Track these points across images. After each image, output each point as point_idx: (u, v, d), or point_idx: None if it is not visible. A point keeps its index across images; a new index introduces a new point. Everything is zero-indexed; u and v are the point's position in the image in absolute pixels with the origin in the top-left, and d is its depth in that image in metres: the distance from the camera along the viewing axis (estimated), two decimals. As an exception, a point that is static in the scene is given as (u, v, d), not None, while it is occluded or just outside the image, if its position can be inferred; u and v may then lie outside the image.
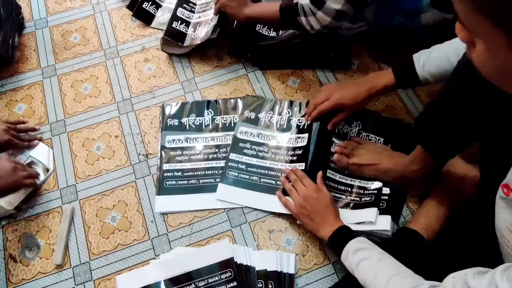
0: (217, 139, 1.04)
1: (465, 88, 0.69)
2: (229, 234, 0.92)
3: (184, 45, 1.17)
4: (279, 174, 0.96)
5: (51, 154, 1.04)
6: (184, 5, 1.25)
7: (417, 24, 1.01)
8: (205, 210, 0.95)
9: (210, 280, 0.84)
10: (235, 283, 0.83)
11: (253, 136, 1.03)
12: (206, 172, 0.99)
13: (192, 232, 0.93)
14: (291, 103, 1.08)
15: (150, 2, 1.28)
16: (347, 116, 0.97)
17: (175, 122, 1.07)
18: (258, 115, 1.07)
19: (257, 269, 0.86)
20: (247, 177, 0.97)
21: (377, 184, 0.94)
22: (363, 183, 0.95)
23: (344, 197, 0.94)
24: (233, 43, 1.18)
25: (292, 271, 0.86)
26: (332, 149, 0.99)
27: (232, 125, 1.06)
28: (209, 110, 1.08)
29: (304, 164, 0.96)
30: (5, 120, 1.05)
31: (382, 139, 1.02)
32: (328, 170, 0.96)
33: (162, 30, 1.25)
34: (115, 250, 0.91)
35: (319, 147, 0.99)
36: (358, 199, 0.93)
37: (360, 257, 0.72)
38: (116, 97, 1.13)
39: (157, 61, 1.19)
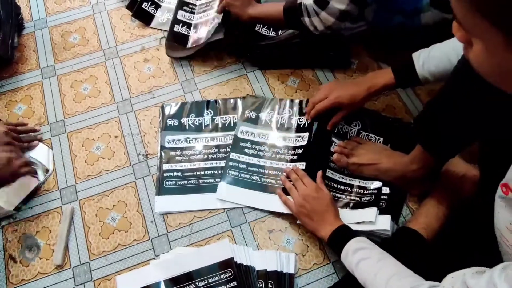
0: (216, 139, 1.04)
1: (465, 87, 0.69)
2: (229, 234, 0.92)
3: (187, 46, 1.16)
4: (280, 174, 0.96)
5: (50, 155, 1.04)
6: (184, 8, 1.25)
7: (417, 24, 1.01)
8: (205, 210, 0.95)
9: (210, 280, 0.84)
10: (235, 283, 0.83)
11: (254, 135, 1.03)
12: (206, 172, 0.99)
13: (192, 232, 0.93)
14: (291, 102, 1.08)
15: (150, 2, 1.28)
16: (345, 115, 0.97)
17: (175, 122, 1.07)
18: (259, 114, 1.07)
19: (257, 269, 0.86)
20: (248, 176, 0.97)
21: (377, 184, 0.94)
22: (363, 183, 0.95)
23: (343, 196, 0.94)
24: (233, 43, 1.18)
25: (292, 271, 0.86)
26: (332, 149, 0.99)
27: (232, 125, 1.06)
28: (209, 110, 1.08)
29: (304, 163, 0.96)
30: (5, 121, 1.05)
31: (381, 139, 1.02)
32: (327, 170, 0.96)
33: (161, 30, 1.25)
34: (115, 251, 0.91)
35: (319, 147, 0.99)
36: (358, 198, 0.93)
37: (360, 256, 0.72)
38: (115, 97, 1.13)
39: (156, 61, 1.19)
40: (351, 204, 0.93)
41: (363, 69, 1.16)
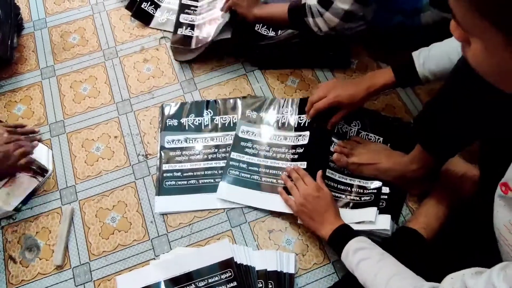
0: (216, 139, 1.04)
1: (465, 87, 0.69)
2: (229, 234, 0.92)
3: (192, 47, 1.16)
4: (281, 173, 0.96)
5: (50, 155, 1.04)
6: (186, 11, 1.25)
7: (417, 24, 1.01)
8: (204, 210, 0.95)
9: (210, 280, 0.84)
10: (235, 283, 0.83)
11: (255, 135, 1.03)
12: (206, 172, 0.99)
13: (192, 232, 0.93)
14: (291, 101, 1.08)
15: (149, 2, 1.28)
16: (345, 114, 0.97)
17: (175, 122, 1.07)
18: (259, 114, 1.07)
19: (257, 269, 0.86)
20: (248, 176, 0.97)
21: (376, 184, 0.94)
22: (362, 183, 0.95)
23: (343, 196, 0.94)
24: (238, 43, 1.17)
25: (292, 270, 0.86)
26: (332, 149, 0.99)
27: (232, 125, 1.06)
28: (209, 110, 1.08)
29: (305, 162, 0.96)
30: (4, 124, 1.05)
31: (381, 138, 1.02)
32: (327, 170, 0.96)
33: (161, 30, 1.25)
34: (115, 251, 0.91)
35: (319, 147, 0.99)
36: (357, 198, 0.93)
37: (360, 257, 0.72)
38: (115, 97, 1.13)
39: (156, 62, 1.19)
40: (351, 204, 0.93)
41: (362, 69, 1.16)
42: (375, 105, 1.09)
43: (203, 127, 1.06)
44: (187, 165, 1.00)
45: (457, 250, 0.76)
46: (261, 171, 0.97)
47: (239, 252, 0.87)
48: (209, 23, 1.19)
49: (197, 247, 0.91)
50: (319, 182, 0.90)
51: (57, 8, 1.32)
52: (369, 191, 0.94)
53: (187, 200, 0.96)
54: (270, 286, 0.84)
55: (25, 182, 0.96)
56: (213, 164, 1.00)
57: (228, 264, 0.85)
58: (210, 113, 1.08)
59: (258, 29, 1.20)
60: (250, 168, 0.98)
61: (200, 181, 0.98)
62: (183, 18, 1.23)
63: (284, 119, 1.05)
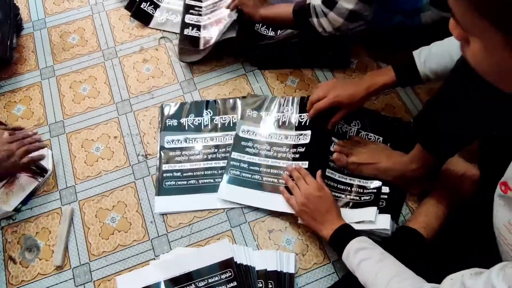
0: (216, 139, 1.04)
1: (464, 86, 0.69)
2: (228, 234, 0.92)
3: (200, 48, 1.15)
4: (282, 173, 0.96)
5: (50, 156, 1.03)
6: (191, 11, 1.25)
7: (417, 23, 1.01)
8: (204, 210, 0.95)
9: (210, 280, 0.84)
10: (235, 283, 0.83)
11: (255, 134, 1.03)
12: (206, 172, 0.99)
13: (191, 232, 0.93)
14: (292, 100, 1.07)
15: (148, 3, 1.28)
16: (345, 114, 0.97)
17: (174, 122, 1.07)
18: (260, 113, 1.06)
19: (257, 269, 0.86)
20: (249, 176, 0.97)
21: (376, 183, 0.94)
22: (362, 182, 0.95)
23: (343, 196, 0.94)
24: (237, 42, 1.17)
25: (292, 270, 0.86)
26: (331, 148, 0.99)
27: (231, 125, 1.06)
28: (208, 110, 1.08)
29: (307, 162, 0.96)
30: (3, 127, 1.04)
31: (381, 138, 1.02)
32: (327, 169, 0.96)
33: (160, 30, 1.25)
34: (115, 251, 0.91)
35: (320, 146, 0.98)
36: (357, 198, 0.93)
37: (361, 257, 0.72)
38: (115, 97, 1.13)
39: (155, 62, 1.19)
40: (351, 204, 0.93)
41: (362, 69, 1.16)
42: (375, 104, 1.09)
43: (202, 127, 1.06)
44: (187, 165, 1.00)
45: (457, 249, 0.76)
46: (262, 170, 0.97)
47: (239, 252, 0.87)
48: (215, 24, 1.19)
49: (197, 247, 0.91)
50: (319, 182, 0.89)
51: (57, 9, 1.32)
52: (369, 190, 0.94)
53: (187, 200, 0.96)
54: (270, 286, 0.84)
55: (25, 183, 0.96)
56: (213, 164, 1.00)
57: (228, 264, 0.85)
58: (210, 113, 1.08)
59: (258, 29, 1.20)
60: (251, 167, 0.98)
61: (200, 181, 0.98)
62: (189, 18, 1.23)
63: (284, 118, 1.05)
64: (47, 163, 1.01)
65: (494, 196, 0.57)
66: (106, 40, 1.24)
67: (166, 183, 0.98)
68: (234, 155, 1.00)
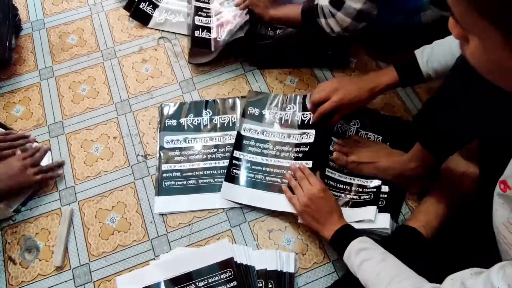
0: (215, 139, 1.04)
1: (464, 85, 0.69)
2: (228, 234, 0.92)
3: (213, 49, 1.15)
4: (285, 172, 0.95)
5: (49, 156, 1.03)
6: (199, 13, 1.24)
7: (417, 23, 1.01)
8: (204, 210, 0.95)
9: (210, 280, 0.84)
10: (235, 283, 0.83)
11: (257, 133, 1.02)
12: (205, 172, 0.99)
13: (191, 232, 0.93)
14: (294, 98, 1.06)
15: (147, 3, 1.28)
16: (346, 114, 0.97)
17: (174, 122, 1.06)
18: (262, 111, 1.06)
19: (257, 268, 0.86)
20: (252, 175, 0.96)
21: (376, 182, 0.94)
22: (362, 181, 0.95)
23: (343, 195, 0.94)
24: (244, 41, 1.17)
25: (292, 270, 0.86)
26: (331, 148, 0.98)
27: (231, 124, 1.05)
28: (207, 110, 1.08)
29: (311, 162, 0.95)
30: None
31: (380, 137, 1.02)
32: (327, 169, 0.96)
33: (159, 30, 1.25)
34: (115, 251, 0.91)
35: (322, 146, 0.98)
36: (357, 197, 0.93)
37: (363, 257, 0.72)
38: (114, 98, 1.13)
39: (154, 62, 1.19)
40: (351, 203, 0.93)
41: (362, 68, 1.16)
42: (374, 104, 1.09)
43: (202, 127, 1.06)
44: (187, 165, 1.00)
45: (456, 248, 0.76)
46: (264, 170, 0.97)
47: (239, 252, 0.87)
48: (225, 25, 1.18)
49: (197, 247, 0.91)
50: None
51: (55, 9, 1.32)
52: (369, 190, 0.93)
53: (187, 200, 0.96)
54: (270, 285, 0.84)
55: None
56: (212, 164, 1.00)
57: (228, 264, 0.85)
58: (209, 113, 1.08)
59: (257, 28, 1.19)
60: (253, 167, 0.97)
61: (200, 181, 0.98)
62: (198, 20, 1.22)
63: (287, 116, 1.04)
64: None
65: (493, 195, 0.57)
66: (105, 40, 1.24)
67: (165, 183, 0.98)
68: (236, 154, 0.99)
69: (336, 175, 0.96)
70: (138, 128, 1.08)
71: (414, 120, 0.90)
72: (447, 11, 0.44)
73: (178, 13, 1.27)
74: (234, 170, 0.97)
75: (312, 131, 0.99)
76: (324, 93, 0.94)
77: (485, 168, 0.77)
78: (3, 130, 1.04)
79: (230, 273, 0.84)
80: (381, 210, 0.90)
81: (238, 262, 0.86)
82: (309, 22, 0.98)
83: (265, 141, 1.01)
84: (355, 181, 0.96)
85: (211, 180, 0.98)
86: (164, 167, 1.00)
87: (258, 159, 0.98)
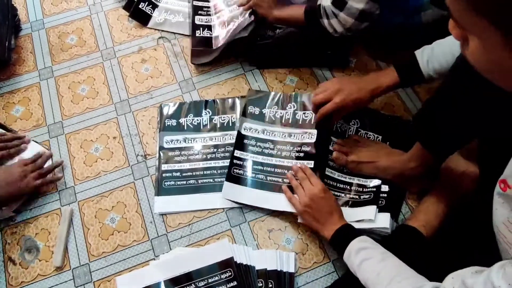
0: (215, 139, 1.03)
1: (464, 84, 0.69)
2: (228, 234, 0.92)
3: (214, 47, 1.15)
4: (286, 172, 0.95)
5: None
6: (199, 12, 1.24)
7: (417, 22, 1.01)
8: (204, 210, 0.95)
9: (210, 280, 0.84)
10: (235, 283, 0.83)
11: (258, 132, 1.02)
12: (205, 172, 0.99)
13: (191, 232, 0.93)
14: (295, 97, 1.06)
15: (147, 3, 1.28)
16: (346, 114, 0.97)
17: (173, 122, 1.06)
18: (263, 110, 1.05)
19: (257, 268, 0.86)
20: (253, 175, 0.96)
21: (376, 182, 0.94)
22: (362, 181, 0.95)
23: (343, 195, 0.94)
24: (248, 41, 1.17)
25: (292, 270, 0.86)
26: (331, 147, 0.98)
27: (230, 124, 1.05)
28: (207, 110, 1.08)
29: (313, 162, 0.95)
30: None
31: (380, 137, 1.02)
32: (326, 168, 0.96)
33: (159, 30, 1.25)
34: (115, 251, 0.91)
35: (323, 146, 0.98)
36: (357, 197, 0.93)
37: (363, 257, 0.72)
38: (113, 98, 1.13)
39: (154, 62, 1.19)
40: (350, 203, 0.93)
41: (361, 68, 1.16)
42: (374, 103, 1.08)
43: (201, 127, 1.06)
44: (186, 165, 1.00)
45: (456, 247, 0.76)
46: (265, 169, 0.97)
47: (239, 251, 0.87)
48: (226, 23, 1.18)
49: (196, 247, 0.91)
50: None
51: (55, 9, 1.32)
52: (369, 189, 0.93)
53: (187, 200, 0.96)
54: (270, 285, 0.84)
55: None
56: (212, 164, 1.00)
57: (228, 263, 0.85)
58: (209, 113, 1.08)
59: (262, 29, 1.19)
60: (254, 167, 0.97)
61: (199, 181, 0.98)
62: (198, 19, 1.22)
63: (288, 115, 1.04)
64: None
65: (493, 194, 0.57)
66: (104, 40, 1.24)
67: (165, 183, 0.98)
68: (237, 153, 0.99)
69: (336, 175, 0.96)
70: (138, 128, 1.08)
71: (414, 120, 0.90)
72: (448, 11, 0.44)
73: (178, 13, 1.27)
74: (235, 170, 0.97)
75: (314, 131, 0.99)
76: (326, 94, 0.93)
77: (485, 167, 0.77)
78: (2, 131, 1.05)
79: (230, 273, 0.84)
80: (381, 209, 0.90)
81: (238, 262, 0.86)
82: (312, 22, 0.98)
83: (265, 141, 1.01)
84: (355, 180, 0.95)
85: (211, 180, 0.98)
86: (164, 167, 1.00)
87: (259, 158, 0.98)
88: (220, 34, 1.17)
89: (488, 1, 0.38)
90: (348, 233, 0.79)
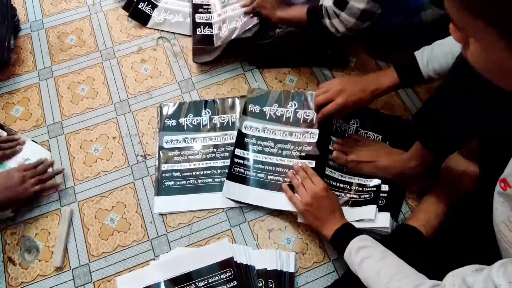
0: (215, 138, 1.03)
1: (464, 84, 0.69)
2: (228, 234, 0.92)
3: (215, 45, 1.15)
4: (287, 171, 0.95)
5: (49, 157, 1.03)
6: (200, 10, 1.24)
7: (418, 22, 1.01)
8: (204, 210, 0.95)
9: (210, 280, 0.84)
10: (235, 283, 0.83)
11: (259, 131, 1.02)
12: (205, 172, 0.99)
13: (191, 232, 0.93)
14: (296, 95, 1.06)
15: (146, 3, 1.28)
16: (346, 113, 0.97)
17: (173, 122, 1.06)
18: (263, 108, 1.05)
19: (257, 268, 0.86)
20: (254, 174, 0.96)
21: (376, 181, 0.94)
22: (362, 181, 0.95)
23: (343, 194, 0.94)
24: (251, 42, 1.17)
25: (292, 269, 0.86)
26: (331, 147, 0.98)
27: (230, 124, 1.05)
28: (207, 110, 1.08)
29: (314, 161, 0.95)
30: None
31: (380, 136, 1.02)
32: (326, 168, 0.96)
33: (158, 30, 1.25)
34: (115, 252, 0.91)
35: (324, 146, 0.98)
36: (357, 196, 0.93)
37: (363, 255, 0.72)
38: (113, 98, 1.13)
39: (153, 62, 1.19)
40: (350, 202, 0.93)
41: (361, 68, 1.16)
42: (374, 103, 1.07)
43: (201, 127, 1.06)
44: (186, 165, 1.00)
45: (456, 247, 0.76)
46: (266, 168, 0.96)
47: (238, 251, 0.87)
48: (228, 21, 1.18)
49: (196, 247, 0.91)
50: None
51: (54, 9, 1.32)
52: (369, 189, 0.93)
53: (186, 200, 0.96)
54: (270, 285, 0.84)
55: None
56: (212, 163, 1.00)
57: (228, 263, 0.85)
58: (209, 112, 1.08)
59: (267, 29, 1.19)
60: (255, 165, 0.97)
61: (199, 181, 0.98)
62: (199, 17, 1.22)
63: (288, 113, 1.03)
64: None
65: (493, 194, 0.57)
66: (104, 40, 1.24)
67: (165, 183, 0.98)
68: (238, 152, 0.99)
69: (336, 174, 0.96)
70: (138, 128, 1.08)
71: (414, 119, 0.90)
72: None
73: (177, 13, 1.27)
74: (236, 169, 0.97)
75: (316, 131, 0.99)
76: (328, 95, 0.93)
77: (485, 167, 0.77)
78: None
79: (230, 273, 0.84)
80: (381, 209, 0.90)
81: (238, 262, 0.86)
82: (314, 22, 0.98)
83: (266, 139, 1.00)
84: (355, 180, 0.95)
85: (211, 180, 0.98)
86: (164, 167, 1.00)
87: (260, 157, 0.98)
88: (222, 32, 1.17)
89: (480, 1, 0.38)
90: (348, 232, 0.79)
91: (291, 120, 1.02)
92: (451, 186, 0.88)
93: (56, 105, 1.12)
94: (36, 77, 1.18)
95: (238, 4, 1.19)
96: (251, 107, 1.05)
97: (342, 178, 0.96)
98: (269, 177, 0.95)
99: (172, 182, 0.98)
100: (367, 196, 0.92)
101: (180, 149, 1.02)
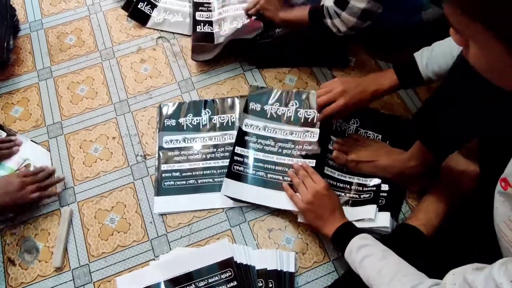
0: (214, 138, 1.03)
1: (463, 84, 0.69)
2: (228, 234, 0.92)
3: (215, 43, 1.15)
4: (287, 170, 0.95)
5: (48, 157, 1.03)
6: (200, 8, 1.24)
7: (418, 21, 1.01)
8: (204, 210, 0.95)
9: (210, 280, 0.84)
10: (235, 283, 0.83)
11: (259, 129, 1.02)
12: (205, 172, 0.99)
13: (191, 232, 0.93)
14: (297, 94, 1.06)
15: (146, 2, 1.28)
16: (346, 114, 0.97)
17: (173, 122, 1.06)
18: (264, 106, 1.05)
19: (257, 268, 0.85)
20: (253, 172, 0.96)
21: (376, 181, 0.94)
22: (362, 180, 0.95)
23: (343, 194, 0.94)
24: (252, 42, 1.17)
25: (292, 269, 0.86)
26: (330, 146, 0.98)
27: (230, 124, 1.05)
28: (206, 109, 1.08)
29: (314, 161, 0.95)
30: None
31: (380, 136, 1.02)
32: (326, 168, 0.96)
33: (158, 30, 1.25)
34: (115, 252, 0.91)
35: (324, 146, 0.98)
36: (357, 196, 0.93)
37: (364, 254, 0.72)
38: (112, 98, 1.13)
39: (153, 62, 1.19)
40: (351, 202, 0.92)
41: (361, 67, 1.16)
42: (374, 102, 1.07)
43: (201, 127, 1.05)
44: (186, 165, 1.00)
45: (456, 246, 0.76)
46: (266, 167, 0.96)
47: (238, 251, 0.87)
48: (229, 20, 1.18)
49: (196, 247, 0.91)
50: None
51: (53, 9, 1.32)
52: (369, 188, 0.93)
53: (186, 200, 0.96)
54: (271, 285, 0.84)
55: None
56: (212, 163, 1.00)
57: (228, 263, 0.85)
58: (208, 112, 1.08)
59: (270, 31, 1.19)
60: (255, 164, 0.97)
61: (199, 181, 0.98)
62: (199, 15, 1.23)
63: (289, 112, 1.03)
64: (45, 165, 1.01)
65: (494, 193, 0.57)
66: (103, 40, 1.24)
67: (165, 183, 0.98)
68: (237, 150, 0.99)
69: (336, 174, 0.96)
70: (137, 128, 1.07)
71: (414, 118, 0.90)
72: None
73: (177, 12, 1.27)
74: (235, 167, 0.97)
75: (316, 130, 0.99)
76: (330, 96, 0.93)
77: (486, 166, 0.77)
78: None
79: (230, 273, 0.84)
80: (381, 208, 0.90)
81: (238, 262, 0.86)
82: (316, 23, 0.99)
83: (267, 138, 1.00)
84: (355, 180, 0.95)
85: (211, 180, 0.98)
86: (164, 167, 1.00)
87: (260, 155, 0.98)
88: (222, 30, 1.17)
89: (474, 4, 0.38)
90: (349, 230, 0.79)
91: (292, 119, 1.02)
92: (451, 185, 0.88)
93: (56, 105, 1.12)
94: (35, 77, 1.18)
95: (238, 4, 1.19)
96: (252, 105, 1.05)
97: (342, 178, 0.96)
98: (269, 175, 0.95)
99: (172, 182, 0.98)
100: (367, 195, 0.92)
101: (179, 149, 1.02)
